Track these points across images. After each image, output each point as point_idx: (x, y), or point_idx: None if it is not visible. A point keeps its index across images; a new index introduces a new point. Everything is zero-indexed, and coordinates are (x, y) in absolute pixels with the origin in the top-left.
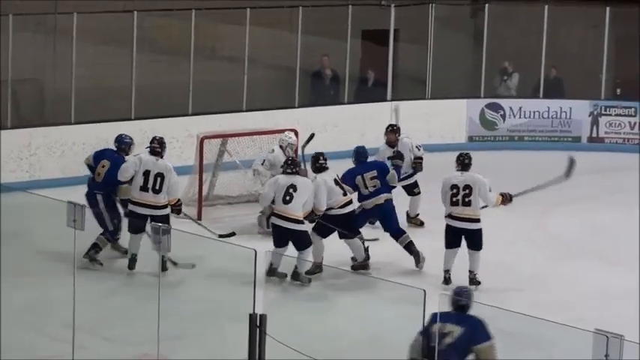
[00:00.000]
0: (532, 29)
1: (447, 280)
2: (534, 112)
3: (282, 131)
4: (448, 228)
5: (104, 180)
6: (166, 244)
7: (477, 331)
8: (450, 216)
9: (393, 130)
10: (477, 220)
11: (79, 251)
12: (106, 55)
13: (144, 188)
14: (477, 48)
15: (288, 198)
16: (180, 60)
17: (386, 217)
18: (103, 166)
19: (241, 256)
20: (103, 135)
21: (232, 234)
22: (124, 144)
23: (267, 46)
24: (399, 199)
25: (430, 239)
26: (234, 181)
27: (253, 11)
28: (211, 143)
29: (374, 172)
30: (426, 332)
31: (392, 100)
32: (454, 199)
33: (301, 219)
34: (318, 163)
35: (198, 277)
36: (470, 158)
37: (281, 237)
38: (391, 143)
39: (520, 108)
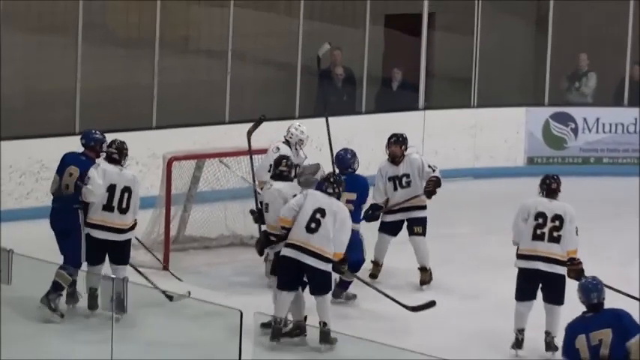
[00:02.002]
0: (614, 14)
1: (519, 343)
2: (616, 125)
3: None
4: (523, 272)
5: (77, 191)
6: (122, 299)
7: (627, 325)
8: (525, 255)
9: (397, 142)
10: (564, 263)
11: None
12: (43, 48)
13: (108, 207)
14: (541, 39)
15: (313, 226)
16: (142, 54)
17: (350, 247)
18: (71, 175)
19: (224, 317)
20: (37, 155)
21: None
22: (93, 141)
23: (259, 36)
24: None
25: (469, 294)
26: (212, 218)
27: None
28: (182, 166)
29: (353, 195)
30: (569, 351)
31: (425, 108)
32: (538, 232)
33: (328, 257)
34: (278, 169)
35: (166, 345)
36: (559, 183)
37: (292, 274)
38: (395, 159)
39: (597, 119)
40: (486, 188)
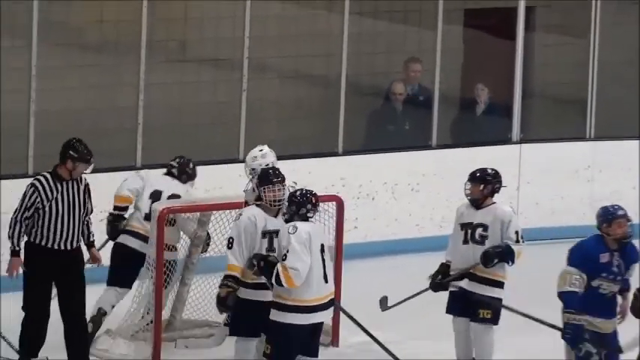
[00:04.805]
0: None
1: None
2: None
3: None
4: None
5: None
6: None
7: None
8: None
9: (473, 179)
10: None
11: None
12: None
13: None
14: None
15: (327, 271)
16: (121, 65)
17: None
18: None
19: None
20: None
21: None
22: None
23: (286, 40)
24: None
25: None
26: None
27: None
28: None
29: None
30: None
31: (521, 141)
32: None
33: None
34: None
35: None
36: None
37: (301, 345)
38: (474, 202)
39: None
40: None
